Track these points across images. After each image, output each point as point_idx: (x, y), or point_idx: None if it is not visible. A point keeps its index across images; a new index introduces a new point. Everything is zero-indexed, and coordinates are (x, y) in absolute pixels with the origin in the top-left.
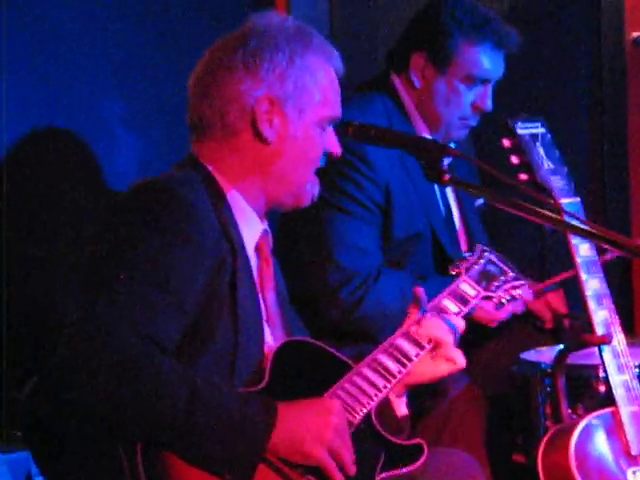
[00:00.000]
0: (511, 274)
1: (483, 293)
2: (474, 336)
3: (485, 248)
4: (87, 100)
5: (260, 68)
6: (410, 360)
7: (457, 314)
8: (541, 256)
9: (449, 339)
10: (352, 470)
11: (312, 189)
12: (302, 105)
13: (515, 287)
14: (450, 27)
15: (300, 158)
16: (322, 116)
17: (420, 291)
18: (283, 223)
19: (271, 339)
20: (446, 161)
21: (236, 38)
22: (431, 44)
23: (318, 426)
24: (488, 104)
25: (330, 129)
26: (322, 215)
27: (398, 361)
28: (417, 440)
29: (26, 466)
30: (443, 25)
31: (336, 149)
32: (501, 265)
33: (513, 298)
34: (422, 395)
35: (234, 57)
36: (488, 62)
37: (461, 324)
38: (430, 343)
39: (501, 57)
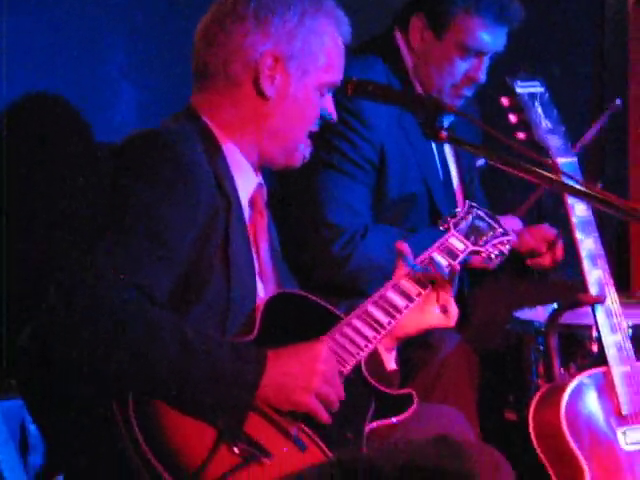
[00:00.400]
0: (499, 229)
1: (471, 247)
2: (468, 292)
3: (473, 204)
4: (88, 51)
5: (270, 23)
6: (399, 312)
7: (446, 267)
8: (538, 217)
9: (444, 283)
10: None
11: (304, 150)
12: (306, 66)
13: (503, 243)
14: None
15: (296, 118)
16: (323, 81)
17: (403, 245)
18: (277, 178)
19: (263, 292)
20: (446, 120)
21: None
22: (431, 8)
23: (306, 373)
24: (481, 76)
25: (329, 95)
26: (316, 172)
27: (387, 313)
28: (407, 390)
29: (20, 414)
30: None
31: (333, 114)
32: (489, 221)
33: (502, 253)
34: (412, 348)
35: (246, 8)
36: (485, 34)
37: (455, 268)
38: (419, 295)
39: (501, 31)
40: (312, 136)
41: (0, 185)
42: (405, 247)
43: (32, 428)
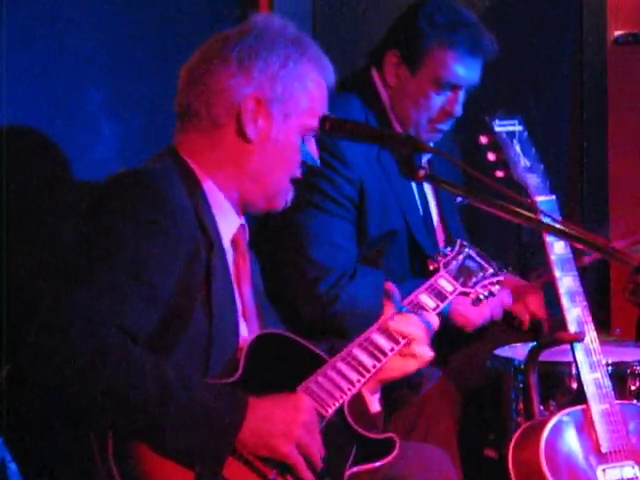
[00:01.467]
0: (490, 270)
1: (460, 289)
2: (450, 331)
3: (464, 243)
4: (69, 88)
5: (253, 66)
6: (385, 355)
7: (434, 309)
8: (519, 251)
9: (420, 335)
10: (319, 465)
11: (285, 196)
12: (288, 110)
13: (493, 283)
14: (424, 28)
15: (278, 161)
16: (306, 124)
17: (391, 286)
18: (260, 218)
19: (247, 333)
20: (425, 158)
21: (236, 34)
22: (405, 43)
23: (287, 422)
24: (457, 109)
25: (311, 140)
26: (297, 212)
27: (373, 355)
28: (389, 434)
29: (0, 453)
30: (418, 25)
31: (315, 159)
32: (480, 261)
33: (491, 294)
34: (396, 388)
35: (230, 51)
36: (459, 67)
37: (435, 320)
38: (405, 338)
39: (475, 63)
40: (294, 182)
41: None
42: (393, 288)
43: (12, 467)
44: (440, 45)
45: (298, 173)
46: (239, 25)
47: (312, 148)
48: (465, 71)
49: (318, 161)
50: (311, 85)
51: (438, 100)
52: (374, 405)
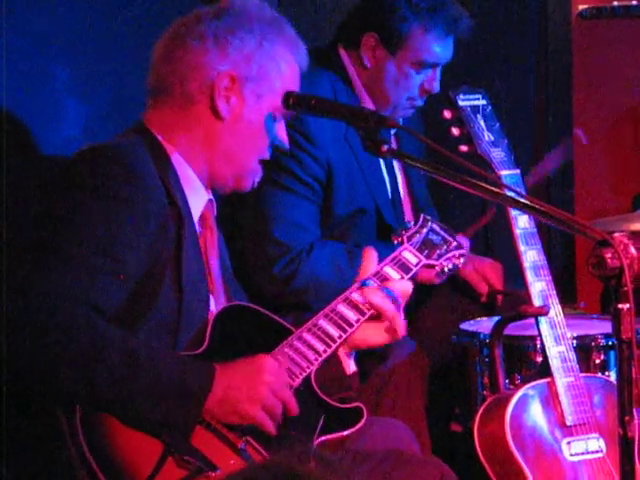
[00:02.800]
0: (454, 243)
1: (425, 261)
2: (418, 304)
3: (428, 217)
4: (34, 66)
5: (229, 45)
6: (351, 325)
7: (398, 281)
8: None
9: (389, 308)
10: (295, 412)
11: (254, 177)
12: (261, 90)
13: (457, 256)
14: (404, 11)
15: (249, 141)
16: (277, 106)
17: (370, 251)
18: (227, 196)
19: (214, 306)
20: (391, 132)
21: (213, 12)
22: (384, 26)
23: (250, 385)
24: (436, 86)
25: (282, 121)
26: (263, 190)
27: (339, 326)
28: (356, 404)
29: None
30: (397, 8)
31: (284, 143)
32: (444, 234)
33: (455, 267)
34: (365, 358)
35: (207, 28)
36: (439, 47)
37: (406, 287)
38: (371, 310)
39: (450, 42)
40: (263, 163)
41: None
42: (372, 252)
43: None
44: (421, 27)
45: (267, 155)
46: (216, 3)
47: (282, 130)
48: (443, 50)
49: (287, 144)
50: (284, 67)
51: (418, 79)
52: (350, 367)
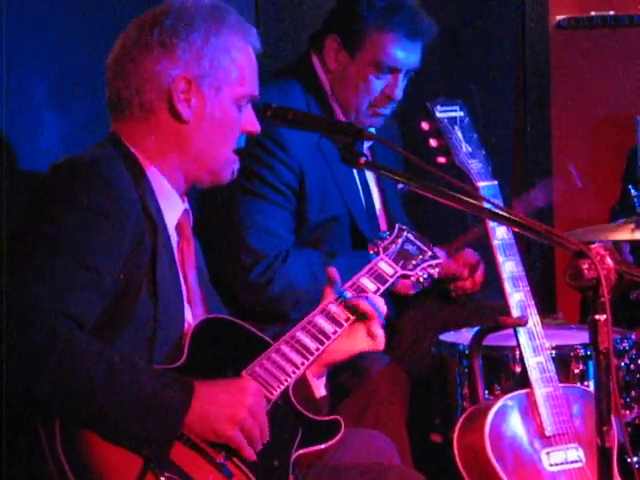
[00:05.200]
0: (429, 253)
1: (400, 272)
2: (396, 316)
3: (403, 227)
4: (12, 79)
5: (176, 47)
6: (328, 337)
7: (375, 292)
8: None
9: (374, 315)
10: (259, 448)
11: (231, 166)
12: (219, 83)
13: (432, 266)
14: (363, 11)
15: (218, 136)
16: (239, 94)
17: (333, 271)
18: (202, 204)
19: (191, 317)
20: (366, 144)
21: (152, 17)
22: (344, 28)
23: (231, 406)
24: (397, 93)
25: (248, 107)
26: (236, 198)
27: (316, 338)
28: (334, 417)
29: None
30: (357, 9)
31: (255, 127)
32: (419, 244)
33: (430, 276)
34: (343, 373)
35: (150, 36)
36: (398, 51)
37: (381, 302)
38: (348, 321)
39: (414, 47)
40: (239, 152)
41: None
42: (334, 272)
43: None
44: (378, 28)
45: (241, 143)
46: (153, 9)
47: (250, 116)
48: (404, 54)
49: (258, 128)
50: (236, 54)
51: (378, 84)
52: (320, 390)
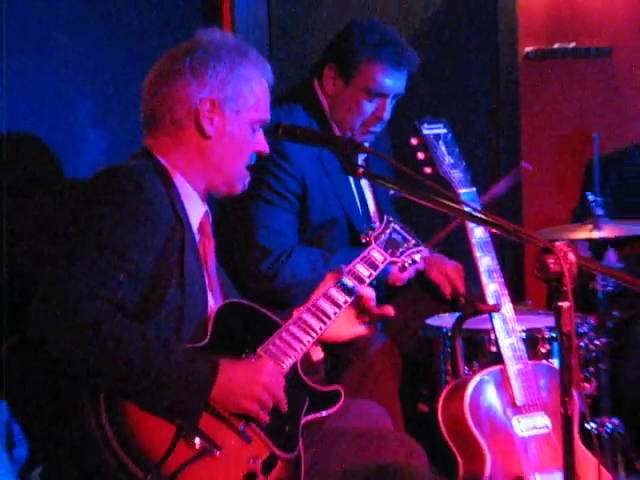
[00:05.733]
0: (412, 242)
1: (389, 259)
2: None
3: (391, 219)
4: (61, 99)
5: (205, 74)
6: (329, 318)
7: (369, 277)
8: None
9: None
10: (282, 411)
11: (243, 181)
12: (238, 107)
13: (415, 252)
14: (356, 44)
15: (235, 151)
16: (254, 118)
17: (340, 267)
18: (220, 209)
19: (212, 302)
20: (361, 157)
21: (185, 49)
22: (340, 58)
23: (250, 383)
24: (385, 115)
25: (260, 131)
26: (248, 204)
27: (319, 319)
28: (335, 387)
29: (5, 415)
30: (351, 42)
31: (264, 148)
32: (404, 234)
33: (414, 262)
34: (345, 350)
35: (183, 64)
36: (386, 79)
37: (371, 290)
38: (346, 303)
39: (399, 75)
40: (250, 168)
41: None
42: (342, 266)
43: (16, 426)
44: (369, 60)
45: (252, 160)
46: (186, 42)
47: (261, 139)
48: (391, 81)
49: (267, 149)
50: (254, 84)
51: (369, 107)
52: (317, 354)
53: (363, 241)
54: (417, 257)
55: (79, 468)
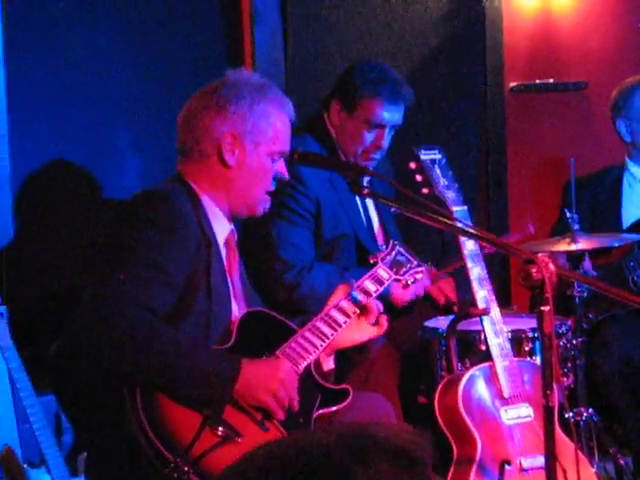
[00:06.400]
0: (415, 262)
1: (394, 276)
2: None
3: (395, 242)
4: (103, 130)
5: (228, 110)
6: (340, 326)
7: (375, 292)
8: (442, 248)
9: (379, 308)
10: (292, 408)
11: (264, 205)
12: (257, 140)
13: (417, 272)
14: (358, 82)
15: (254, 180)
16: (273, 150)
17: (351, 282)
18: (244, 228)
19: (236, 310)
20: (366, 179)
21: (213, 86)
22: (344, 94)
23: (268, 379)
24: (383, 144)
25: (281, 160)
26: (269, 222)
27: (331, 326)
28: (345, 386)
29: (54, 406)
30: (354, 80)
31: (284, 174)
32: (407, 255)
33: (415, 280)
34: (350, 350)
35: (210, 100)
36: (384, 112)
37: (378, 303)
38: (355, 314)
39: (396, 109)
40: (270, 193)
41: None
42: (351, 282)
43: (64, 417)
44: (369, 95)
45: (272, 187)
46: (216, 80)
47: (281, 167)
48: (388, 114)
49: (287, 176)
50: (274, 119)
51: (369, 136)
52: (328, 364)
53: (371, 262)
54: (418, 276)
55: (118, 452)
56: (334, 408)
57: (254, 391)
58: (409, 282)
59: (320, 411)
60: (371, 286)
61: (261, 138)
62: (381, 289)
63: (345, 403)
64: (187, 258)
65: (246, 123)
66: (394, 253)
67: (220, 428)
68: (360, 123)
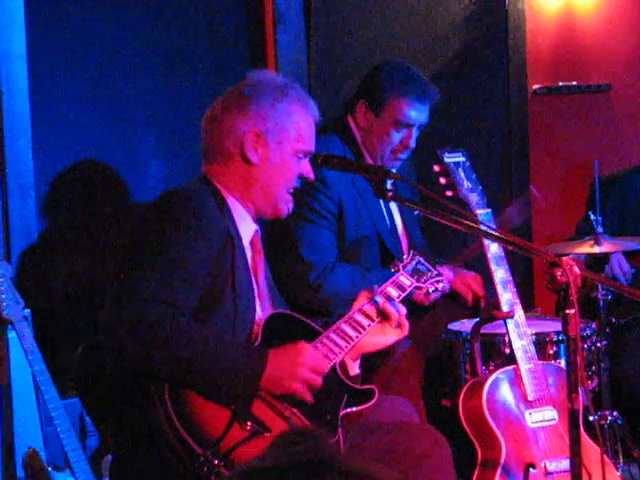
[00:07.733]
0: (435, 272)
1: (415, 284)
2: (416, 312)
3: (416, 252)
4: (128, 135)
5: (250, 110)
6: (364, 329)
7: (397, 297)
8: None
9: (400, 312)
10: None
11: (287, 204)
12: (280, 138)
13: (438, 281)
14: (384, 82)
15: (277, 178)
16: (296, 149)
17: (374, 287)
18: (269, 230)
19: (260, 310)
20: (389, 182)
21: (237, 87)
22: (371, 95)
23: (292, 366)
24: (411, 143)
25: (305, 159)
26: (294, 223)
27: (355, 329)
28: (370, 386)
29: (79, 409)
30: (380, 81)
31: (309, 174)
32: (427, 265)
33: (436, 289)
34: (372, 356)
35: (232, 101)
36: (412, 111)
37: (402, 307)
38: (378, 317)
39: (423, 108)
40: (294, 193)
41: (58, 231)
42: (374, 287)
43: (88, 419)
44: (396, 95)
45: (295, 184)
46: (240, 82)
47: (307, 167)
48: (416, 114)
49: (312, 175)
50: (297, 118)
51: (397, 136)
52: (354, 369)
53: (392, 270)
54: (439, 285)
55: (144, 451)
56: (362, 407)
57: (279, 380)
58: (430, 290)
59: (347, 409)
60: (393, 292)
61: (284, 136)
62: (403, 295)
63: (371, 403)
64: (211, 257)
65: (268, 121)
66: (414, 262)
67: (249, 423)
68: (388, 123)
